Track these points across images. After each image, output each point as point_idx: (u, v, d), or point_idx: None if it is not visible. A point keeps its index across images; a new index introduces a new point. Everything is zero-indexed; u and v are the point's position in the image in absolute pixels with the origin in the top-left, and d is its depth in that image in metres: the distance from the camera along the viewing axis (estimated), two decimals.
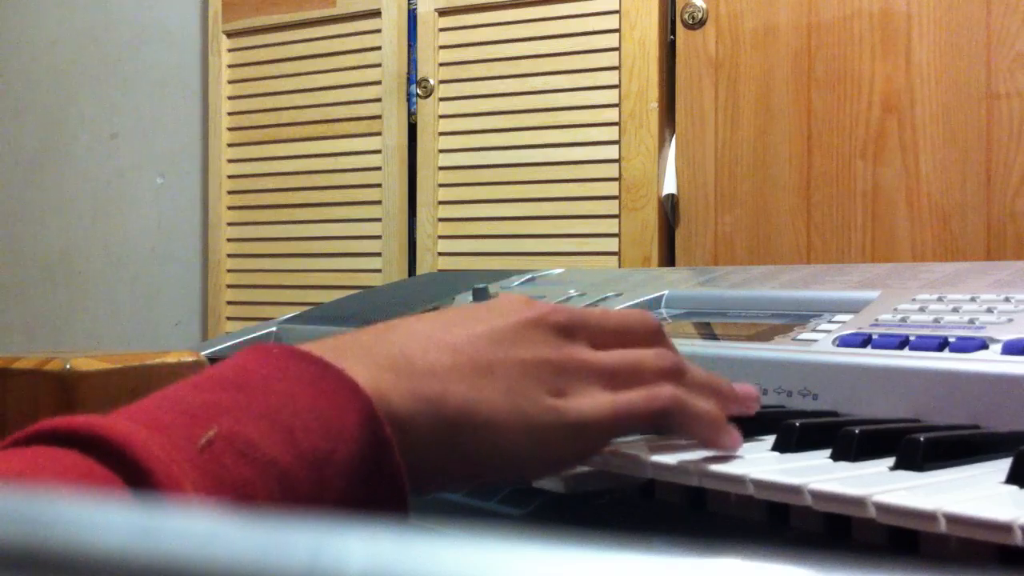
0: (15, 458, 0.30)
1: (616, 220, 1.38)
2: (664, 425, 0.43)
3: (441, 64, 1.53)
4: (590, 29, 1.41)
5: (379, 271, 1.58)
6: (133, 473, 0.29)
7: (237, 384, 0.35)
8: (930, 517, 0.33)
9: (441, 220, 1.52)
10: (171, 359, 0.71)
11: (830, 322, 0.63)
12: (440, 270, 1.51)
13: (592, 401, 0.41)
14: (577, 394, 0.41)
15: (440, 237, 1.52)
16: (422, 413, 0.37)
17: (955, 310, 0.59)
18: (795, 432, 0.45)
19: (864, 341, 0.57)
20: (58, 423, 0.30)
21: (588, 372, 0.42)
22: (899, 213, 1.21)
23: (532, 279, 1.01)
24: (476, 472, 0.40)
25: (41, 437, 0.30)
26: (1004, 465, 0.39)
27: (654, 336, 0.46)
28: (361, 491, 0.35)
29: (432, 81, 1.53)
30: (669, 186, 1.35)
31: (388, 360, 0.38)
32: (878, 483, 0.37)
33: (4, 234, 2.17)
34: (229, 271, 1.77)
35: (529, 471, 0.42)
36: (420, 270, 1.53)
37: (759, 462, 0.42)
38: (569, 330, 0.43)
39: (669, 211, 1.36)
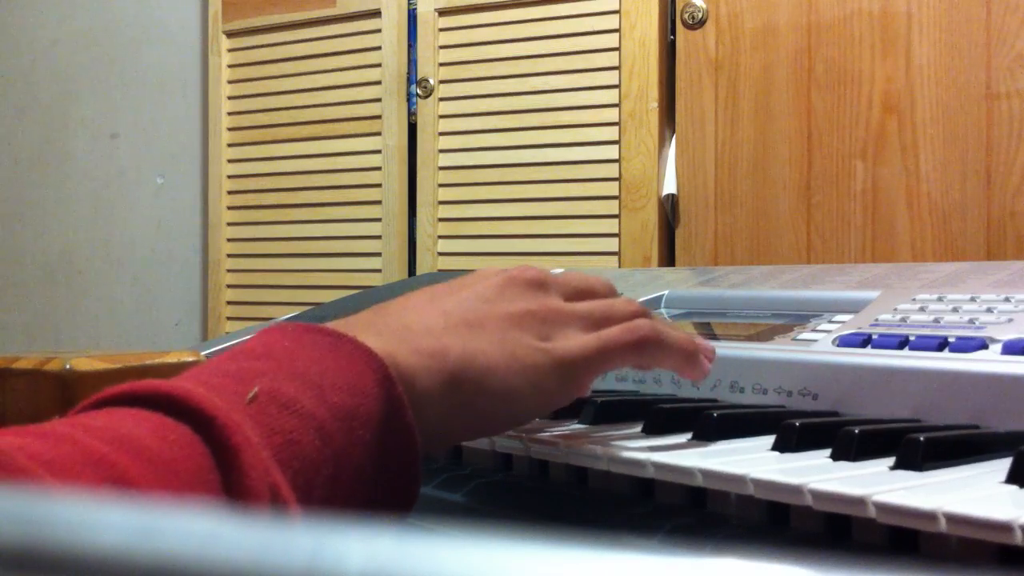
0: (96, 415, 0.31)
1: (616, 220, 1.38)
2: (642, 358, 0.48)
3: (441, 64, 1.53)
4: (590, 29, 1.41)
5: (379, 271, 1.58)
6: (199, 421, 0.32)
7: (265, 354, 0.38)
8: (930, 517, 0.33)
9: (441, 220, 1.52)
10: (171, 359, 0.71)
11: (830, 322, 0.63)
12: (440, 270, 1.51)
13: (577, 340, 0.46)
14: (561, 337, 0.46)
15: (440, 237, 1.52)
16: (427, 368, 0.41)
17: (955, 310, 0.59)
18: (795, 432, 0.45)
19: (864, 341, 0.57)
20: (120, 388, 0.33)
21: (568, 318, 0.47)
22: (899, 213, 1.21)
23: None
24: (479, 421, 0.44)
25: (108, 401, 0.33)
26: (1004, 465, 0.39)
27: (612, 294, 0.52)
28: (381, 444, 0.38)
29: (432, 81, 1.53)
30: (669, 186, 1.35)
31: (389, 329, 0.42)
32: (878, 483, 0.37)
33: (4, 234, 2.17)
34: (229, 271, 1.77)
35: (526, 411, 0.47)
36: (420, 270, 1.53)
37: (759, 462, 0.42)
38: (543, 285, 0.48)
39: (669, 211, 1.36)
